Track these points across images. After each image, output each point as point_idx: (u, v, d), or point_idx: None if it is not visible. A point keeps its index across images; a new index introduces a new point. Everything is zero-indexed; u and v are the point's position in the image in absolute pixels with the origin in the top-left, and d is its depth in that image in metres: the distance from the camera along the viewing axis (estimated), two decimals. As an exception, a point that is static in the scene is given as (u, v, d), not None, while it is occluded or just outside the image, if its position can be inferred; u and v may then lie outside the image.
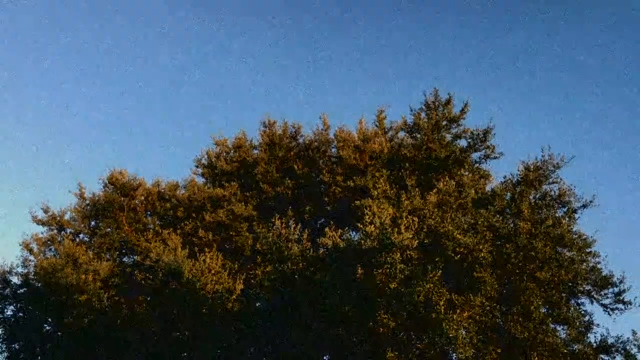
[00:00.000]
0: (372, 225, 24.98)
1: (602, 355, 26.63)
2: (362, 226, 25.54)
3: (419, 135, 31.87)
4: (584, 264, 27.66)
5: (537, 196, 28.31)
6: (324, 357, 28.65)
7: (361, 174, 31.72)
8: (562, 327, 27.07)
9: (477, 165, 31.82)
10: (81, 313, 31.69)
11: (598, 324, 27.58)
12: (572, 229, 27.74)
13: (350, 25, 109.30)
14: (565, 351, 25.69)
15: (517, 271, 26.32)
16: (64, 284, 31.65)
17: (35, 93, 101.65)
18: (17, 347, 33.53)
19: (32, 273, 34.52)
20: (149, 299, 32.65)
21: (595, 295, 27.99)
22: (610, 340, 26.60)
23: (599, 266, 27.86)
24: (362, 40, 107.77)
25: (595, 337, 27.05)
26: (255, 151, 37.84)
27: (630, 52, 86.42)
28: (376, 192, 28.44)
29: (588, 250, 27.91)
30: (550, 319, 26.54)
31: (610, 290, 27.67)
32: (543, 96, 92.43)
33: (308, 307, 25.90)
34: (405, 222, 24.93)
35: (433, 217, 26.02)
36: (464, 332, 23.81)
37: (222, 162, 37.18)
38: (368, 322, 24.87)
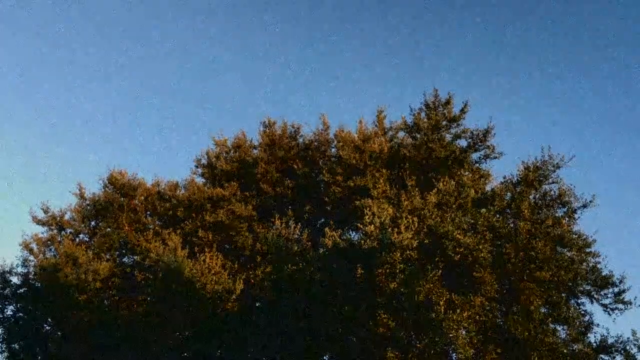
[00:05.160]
0: (372, 225, 24.98)
1: (602, 355, 26.66)
2: (362, 226, 25.55)
3: (418, 135, 31.83)
4: (584, 264, 27.68)
5: (537, 196, 28.30)
6: (324, 357, 28.65)
7: (361, 174, 31.68)
8: (562, 327, 27.10)
9: (477, 165, 31.78)
10: (81, 313, 31.68)
11: (598, 324, 27.69)
12: (572, 229, 27.77)
13: (350, 25, 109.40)
14: (565, 351, 25.73)
15: (517, 271, 26.34)
16: (64, 284, 31.62)
17: (35, 92, 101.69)
18: (17, 347, 33.53)
19: (32, 273, 34.54)
20: (149, 299, 32.63)
21: (595, 295, 28.00)
22: (610, 340, 26.65)
23: (599, 266, 27.89)
24: (362, 40, 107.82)
25: (595, 337, 27.14)
26: (255, 151, 37.81)
27: (632, 51, 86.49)
28: (376, 192, 28.43)
29: (588, 250, 27.93)
30: (550, 319, 26.58)
31: (610, 290, 27.67)
32: (543, 96, 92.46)
33: (308, 308, 25.90)
34: (405, 222, 24.94)
35: (433, 217, 26.02)
36: (464, 332, 23.85)
37: (222, 162, 37.14)
38: (368, 322, 24.87)
